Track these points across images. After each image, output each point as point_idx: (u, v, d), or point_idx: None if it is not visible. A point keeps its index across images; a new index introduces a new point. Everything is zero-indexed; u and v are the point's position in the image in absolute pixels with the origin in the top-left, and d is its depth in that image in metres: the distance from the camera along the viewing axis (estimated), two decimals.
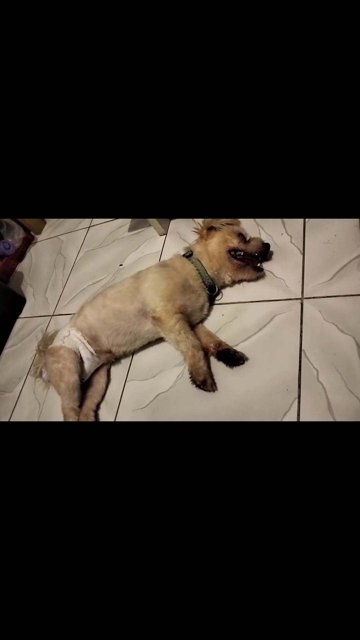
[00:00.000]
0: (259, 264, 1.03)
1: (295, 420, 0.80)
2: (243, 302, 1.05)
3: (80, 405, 1.11)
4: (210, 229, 1.08)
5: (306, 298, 0.94)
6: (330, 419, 0.76)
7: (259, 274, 1.03)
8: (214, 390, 0.94)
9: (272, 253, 1.07)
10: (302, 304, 0.93)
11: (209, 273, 1.06)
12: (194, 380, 0.95)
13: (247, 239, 1.06)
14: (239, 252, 1.04)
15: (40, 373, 1.22)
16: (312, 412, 0.79)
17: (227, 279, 1.08)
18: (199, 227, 1.11)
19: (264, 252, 1.03)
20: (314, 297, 0.92)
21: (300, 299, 0.94)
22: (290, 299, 0.96)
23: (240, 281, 1.08)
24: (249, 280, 1.06)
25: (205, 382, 0.93)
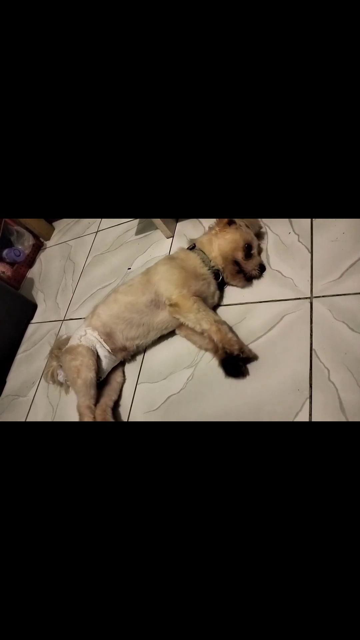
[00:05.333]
0: (251, 279, 1.08)
1: (307, 420, 0.79)
2: (252, 303, 1.05)
3: (97, 404, 1.12)
4: (231, 223, 1.08)
5: (315, 297, 0.93)
6: (343, 419, 0.75)
7: (248, 284, 1.08)
8: (256, 357, 0.93)
9: (280, 252, 1.07)
10: (311, 303, 0.93)
11: (211, 262, 1.08)
12: (229, 354, 0.92)
13: (252, 251, 1.06)
14: (237, 263, 1.06)
15: (56, 376, 1.24)
16: (324, 412, 0.78)
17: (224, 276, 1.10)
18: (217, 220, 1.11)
19: (256, 277, 1.07)
20: (323, 296, 0.92)
21: (309, 298, 0.94)
22: (299, 299, 0.96)
23: (229, 285, 1.12)
24: (236, 286, 1.11)
25: (242, 350, 0.92)
